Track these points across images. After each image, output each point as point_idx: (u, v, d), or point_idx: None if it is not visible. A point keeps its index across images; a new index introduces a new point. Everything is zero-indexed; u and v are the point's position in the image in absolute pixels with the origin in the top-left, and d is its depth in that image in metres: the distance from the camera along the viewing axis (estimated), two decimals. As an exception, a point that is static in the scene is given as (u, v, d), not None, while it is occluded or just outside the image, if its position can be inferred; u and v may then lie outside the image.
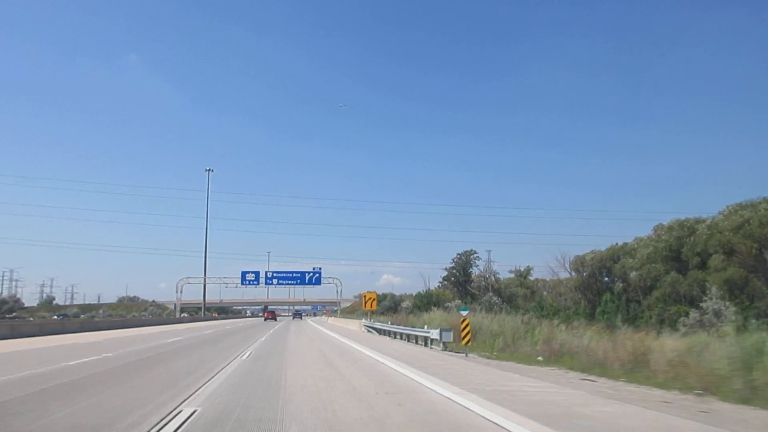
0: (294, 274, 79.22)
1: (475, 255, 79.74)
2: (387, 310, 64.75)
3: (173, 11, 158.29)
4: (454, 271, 79.88)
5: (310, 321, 79.25)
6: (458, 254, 79.48)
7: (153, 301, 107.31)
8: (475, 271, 76.82)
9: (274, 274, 78.81)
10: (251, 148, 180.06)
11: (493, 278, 75.87)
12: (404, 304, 69.21)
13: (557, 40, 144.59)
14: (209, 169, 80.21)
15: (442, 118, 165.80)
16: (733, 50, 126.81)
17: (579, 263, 57.66)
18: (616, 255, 54.50)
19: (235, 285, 79.40)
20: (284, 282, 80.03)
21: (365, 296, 38.08)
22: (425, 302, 62.18)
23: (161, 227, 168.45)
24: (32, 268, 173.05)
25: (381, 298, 77.02)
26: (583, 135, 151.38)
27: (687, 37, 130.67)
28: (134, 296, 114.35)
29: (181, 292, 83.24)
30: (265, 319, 75.70)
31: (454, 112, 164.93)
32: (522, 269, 79.26)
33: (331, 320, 70.66)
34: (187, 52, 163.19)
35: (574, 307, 50.06)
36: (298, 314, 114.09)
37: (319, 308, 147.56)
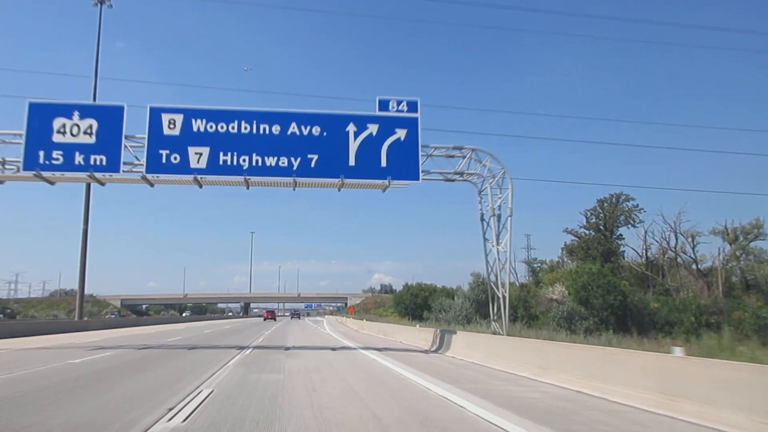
0: (314, 133, 15.74)
1: (630, 202, 45.03)
2: (477, 306, 36.11)
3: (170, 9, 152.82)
4: (593, 231, 45.51)
5: (346, 341, 24.25)
6: (599, 200, 46.51)
7: (91, 296, 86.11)
8: (629, 234, 44.61)
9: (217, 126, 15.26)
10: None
11: (691, 244, 40.90)
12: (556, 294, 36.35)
13: (557, 40, 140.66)
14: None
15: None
16: None
17: None
18: None
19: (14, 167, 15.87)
20: (266, 160, 15.42)
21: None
22: (603, 290, 33.13)
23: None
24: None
25: (434, 291, 45.25)
26: (583, 134, 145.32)
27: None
28: (71, 289, 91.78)
29: None
30: (265, 319, 69.15)
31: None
32: (742, 226, 40.48)
33: (423, 334, 20.86)
34: (182, 50, 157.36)
35: None
36: (296, 314, 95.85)
37: (314, 306, 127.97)
